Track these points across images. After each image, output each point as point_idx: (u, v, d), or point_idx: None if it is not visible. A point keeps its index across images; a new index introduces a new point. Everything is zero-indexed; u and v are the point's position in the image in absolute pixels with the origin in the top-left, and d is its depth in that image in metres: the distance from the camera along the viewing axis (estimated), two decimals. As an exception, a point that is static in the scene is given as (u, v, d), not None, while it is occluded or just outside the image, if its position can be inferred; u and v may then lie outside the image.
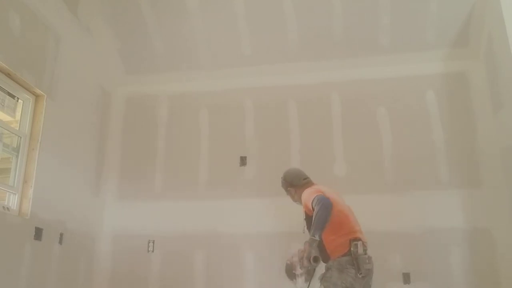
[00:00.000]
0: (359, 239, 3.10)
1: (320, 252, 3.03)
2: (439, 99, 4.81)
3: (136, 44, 5.24)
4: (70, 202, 4.44)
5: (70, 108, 4.51)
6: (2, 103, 3.83)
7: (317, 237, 2.92)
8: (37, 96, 4.12)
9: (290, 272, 3.94)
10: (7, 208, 3.72)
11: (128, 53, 5.32)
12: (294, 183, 3.49)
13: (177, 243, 4.81)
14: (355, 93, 4.97)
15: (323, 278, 3.09)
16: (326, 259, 3.09)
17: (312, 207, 3.05)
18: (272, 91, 5.13)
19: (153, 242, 4.86)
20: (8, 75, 3.76)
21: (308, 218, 3.22)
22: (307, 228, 3.26)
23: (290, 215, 4.68)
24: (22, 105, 4.04)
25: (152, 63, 5.35)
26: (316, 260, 2.91)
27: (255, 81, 5.18)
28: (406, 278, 4.31)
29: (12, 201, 3.81)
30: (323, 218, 2.96)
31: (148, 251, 4.85)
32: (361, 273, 2.99)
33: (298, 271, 3.46)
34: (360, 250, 3.05)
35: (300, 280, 3.43)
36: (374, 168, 4.68)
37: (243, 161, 4.96)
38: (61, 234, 4.23)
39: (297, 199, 3.48)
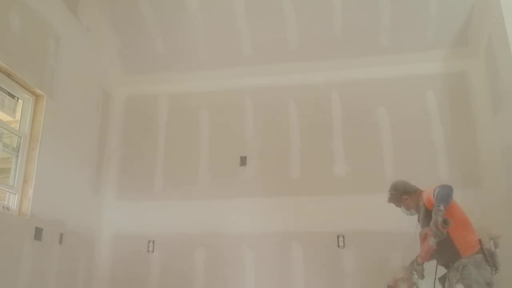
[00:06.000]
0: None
1: (448, 251, 3.01)
2: (439, 99, 4.81)
3: (136, 44, 5.24)
4: (70, 202, 4.44)
5: (70, 108, 4.52)
6: (2, 103, 3.83)
7: (442, 207, 2.87)
8: (37, 96, 4.12)
9: None
10: (7, 208, 3.72)
11: (128, 53, 5.32)
12: (408, 190, 3.44)
13: (177, 243, 4.81)
14: (355, 93, 4.97)
15: (460, 277, 2.97)
16: (455, 258, 3.03)
17: (434, 196, 3.03)
18: (272, 91, 5.14)
19: (153, 242, 4.86)
20: (8, 75, 3.76)
21: (427, 213, 3.15)
22: (423, 226, 3.22)
23: (290, 215, 4.71)
24: (22, 105, 4.05)
25: (152, 63, 5.35)
26: (446, 222, 2.80)
27: (255, 81, 5.18)
28: (406, 278, 4.31)
29: (12, 201, 3.81)
30: (446, 192, 2.95)
31: (148, 251, 4.85)
32: (496, 269, 2.99)
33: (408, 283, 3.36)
34: (492, 247, 3.06)
35: None
36: (374, 168, 4.68)
37: (243, 161, 4.96)
38: (61, 234, 4.23)
39: (413, 206, 3.40)
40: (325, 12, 4.77)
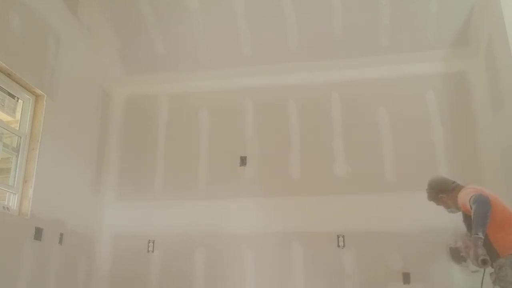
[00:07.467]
0: None
1: (488, 252, 2.85)
2: (439, 99, 4.81)
3: (136, 44, 5.24)
4: (70, 202, 4.44)
5: (70, 108, 4.51)
6: (2, 103, 3.83)
7: (480, 235, 2.73)
8: (37, 96, 4.12)
9: (457, 256, 3.54)
10: (7, 208, 3.72)
11: (128, 53, 5.32)
12: (444, 188, 3.24)
13: (177, 243, 4.81)
14: (355, 93, 4.97)
15: (497, 278, 2.86)
16: (494, 258, 2.89)
17: (470, 206, 2.88)
18: (272, 91, 5.14)
19: (153, 242, 4.86)
20: (8, 75, 3.76)
21: (467, 218, 3.03)
22: (467, 229, 3.08)
23: (290, 215, 4.71)
24: (22, 105, 4.05)
25: (152, 63, 5.35)
26: (484, 262, 2.71)
27: (255, 81, 5.19)
28: (406, 278, 4.31)
29: (12, 201, 3.81)
30: (483, 214, 2.78)
31: (148, 251, 4.85)
32: None
33: (465, 253, 3.22)
34: None
35: (471, 263, 3.18)
36: (374, 168, 4.68)
37: (243, 161, 4.96)
38: (61, 234, 4.23)
39: (452, 204, 3.21)
40: (325, 12, 4.77)
